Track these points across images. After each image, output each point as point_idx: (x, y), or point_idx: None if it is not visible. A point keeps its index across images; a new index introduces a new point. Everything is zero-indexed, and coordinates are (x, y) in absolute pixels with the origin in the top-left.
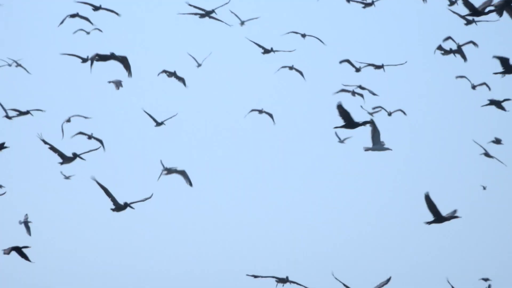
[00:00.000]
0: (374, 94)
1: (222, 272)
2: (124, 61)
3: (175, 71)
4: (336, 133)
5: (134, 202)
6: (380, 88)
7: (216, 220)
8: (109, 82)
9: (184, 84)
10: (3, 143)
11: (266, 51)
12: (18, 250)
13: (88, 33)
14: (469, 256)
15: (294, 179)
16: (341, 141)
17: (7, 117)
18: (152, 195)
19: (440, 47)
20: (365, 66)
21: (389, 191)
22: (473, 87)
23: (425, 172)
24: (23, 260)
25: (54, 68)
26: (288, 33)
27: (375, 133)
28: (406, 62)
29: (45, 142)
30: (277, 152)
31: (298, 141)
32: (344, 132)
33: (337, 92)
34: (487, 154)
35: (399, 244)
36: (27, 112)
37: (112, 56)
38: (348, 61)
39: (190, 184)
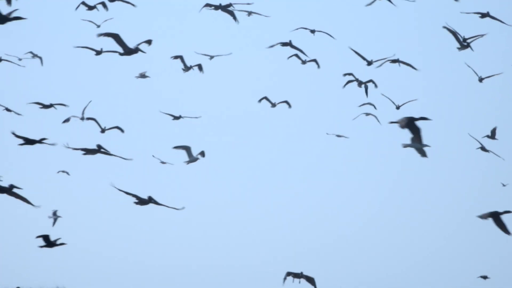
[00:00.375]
0: (366, 92)
1: (229, 268)
2: (148, 40)
3: (190, 65)
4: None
5: (161, 204)
6: (385, 82)
7: (219, 215)
8: (137, 77)
9: (201, 69)
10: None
11: (285, 44)
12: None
13: (98, 26)
14: (467, 254)
15: (301, 173)
16: (339, 136)
17: (7, 109)
18: (183, 207)
19: (459, 41)
20: (380, 61)
21: (393, 188)
22: (480, 79)
23: (429, 169)
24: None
25: (68, 62)
26: (297, 29)
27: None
28: (419, 70)
29: (69, 147)
30: (285, 145)
31: (305, 135)
32: (341, 129)
33: (345, 75)
34: (483, 149)
35: (402, 241)
36: (51, 106)
37: (137, 50)
38: (359, 54)
39: (203, 155)
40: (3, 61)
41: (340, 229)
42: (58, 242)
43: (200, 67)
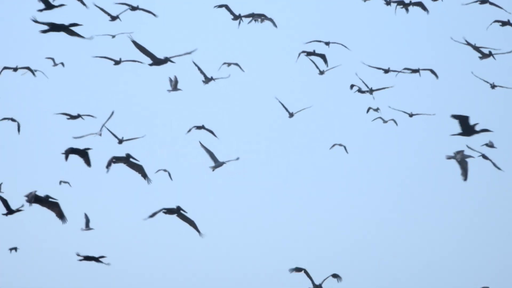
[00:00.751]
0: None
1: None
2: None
3: (212, 77)
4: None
5: (188, 219)
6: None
7: (229, 222)
8: (169, 91)
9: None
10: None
11: (309, 54)
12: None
13: (113, 36)
14: (470, 263)
15: (313, 180)
16: (340, 145)
17: (12, 120)
18: (203, 235)
19: (479, 50)
20: (399, 71)
21: (402, 194)
22: (493, 86)
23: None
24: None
25: (87, 71)
26: (311, 42)
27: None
28: (439, 78)
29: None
30: (296, 153)
31: (318, 143)
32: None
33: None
34: (484, 156)
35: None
36: (78, 116)
37: (167, 61)
38: (374, 66)
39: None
40: (19, 70)
41: (353, 235)
42: (97, 255)
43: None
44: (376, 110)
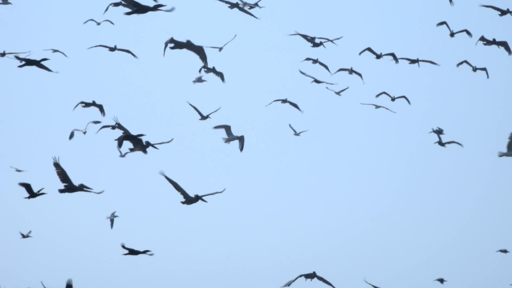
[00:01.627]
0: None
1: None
2: (200, 51)
3: (213, 67)
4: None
5: (205, 195)
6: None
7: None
8: (194, 81)
9: (223, 79)
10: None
11: (316, 45)
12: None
13: (98, 23)
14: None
15: (314, 174)
16: (300, 133)
17: None
18: (224, 189)
19: (482, 38)
20: (400, 59)
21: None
22: (474, 69)
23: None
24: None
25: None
26: (296, 34)
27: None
28: (440, 65)
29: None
30: (298, 147)
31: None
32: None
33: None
34: (440, 143)
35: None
36: (94, 103)
37: (188, 44)
38: (369, 49)
39: (241, 149)
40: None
41: (351, 229)
42: (142, 250)
43: (222, 77)
44: (339, 93)
